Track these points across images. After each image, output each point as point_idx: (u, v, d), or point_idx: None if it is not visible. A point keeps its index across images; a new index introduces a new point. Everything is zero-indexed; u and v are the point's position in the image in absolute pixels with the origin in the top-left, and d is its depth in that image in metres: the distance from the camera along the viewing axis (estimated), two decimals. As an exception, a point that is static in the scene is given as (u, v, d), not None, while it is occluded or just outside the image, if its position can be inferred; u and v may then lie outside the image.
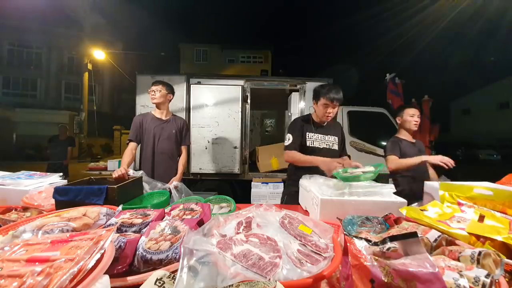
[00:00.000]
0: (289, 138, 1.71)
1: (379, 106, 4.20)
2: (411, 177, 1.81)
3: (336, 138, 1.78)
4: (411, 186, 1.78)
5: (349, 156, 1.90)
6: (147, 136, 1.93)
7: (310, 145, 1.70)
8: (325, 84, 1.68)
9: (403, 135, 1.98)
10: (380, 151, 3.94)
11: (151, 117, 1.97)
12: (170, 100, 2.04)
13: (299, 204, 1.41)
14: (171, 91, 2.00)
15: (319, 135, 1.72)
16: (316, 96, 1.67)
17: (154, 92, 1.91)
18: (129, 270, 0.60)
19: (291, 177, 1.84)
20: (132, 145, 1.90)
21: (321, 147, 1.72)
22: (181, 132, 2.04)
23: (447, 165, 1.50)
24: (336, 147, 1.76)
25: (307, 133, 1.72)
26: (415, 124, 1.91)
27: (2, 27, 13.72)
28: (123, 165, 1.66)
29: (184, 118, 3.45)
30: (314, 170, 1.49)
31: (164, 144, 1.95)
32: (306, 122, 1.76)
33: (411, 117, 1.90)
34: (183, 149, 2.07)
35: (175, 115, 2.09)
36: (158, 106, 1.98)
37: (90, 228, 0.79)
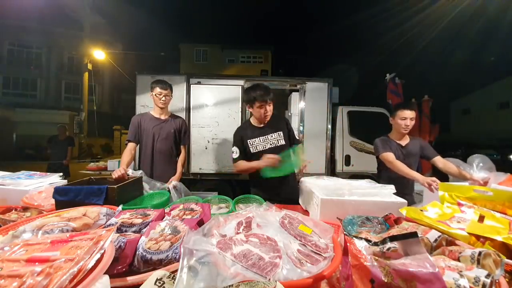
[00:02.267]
0: (236, 152, 1.74)
1: (379, 106, 4.19)
2: (396, 178, 1.77)
3: (281, 132, 1.74)
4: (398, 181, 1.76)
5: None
6: (146, 136, 1.93)
7: (255, 151, 1.70)
8: (254, 86, 1.67)
9: (394, 136, 1.94)
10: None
11: (149, 117, 1.96)
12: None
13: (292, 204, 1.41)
14: (172, 92, 2.00)
15: (260, 137, 1.71)
16: (250, 100, 1.65)
17: (165, 97, 1.89)
18: (129, 270, 0.60)
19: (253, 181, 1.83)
20: (131, 145, 1.89)
21: (266, 148, 1.70)
22: (180, 132, 2.03)
23: (432, 190, 1.48)
24: (282, 142, 1.72)
25: (247, 140, 1.72)
26: (404, 128, 1.83)
27: (2, 27, 13.71)
28: (122, 165, 1.66)
29: (184, 118, 3.44)
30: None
31: (163, 144, 1.94)
32: (244, 130, 1.77)
33: (402, 120, 1.82)
34: (182, 148, 2.06)
35: (174, 115, 2.08)
36: (161, 108, 1.97)
37: (90, 228, 0.79)
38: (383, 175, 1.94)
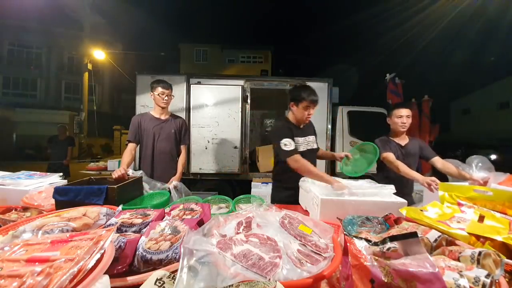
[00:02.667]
0: (289, 143, 1.54)
1: (379, 106, 4.19)
2: (396, 178, 1.78)
3: (314, 137, 1.78)
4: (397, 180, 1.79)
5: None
6: (146, 136, 1.93)
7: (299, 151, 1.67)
8: (304, 86, 1.66)
9: (393, 136, 1.96)
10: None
11: (149, 117, 1.96)
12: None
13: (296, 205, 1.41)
14: (172, 92, 2.00)
15: (302, 138, 1.70)
16: (297, 99, 1.62)
17: (167, 96, 1.90)
18: (129, 270, 0.60)
19: (277, 182, 1.79)
20: (131, 145, 1.89)
21: (305, 150, 1.68)
22: (180, 132, 2.03)
23: (431, 190, 1.49)
24: (315, 145, 1.77)
25: (294, 137, 1.64)
26: (401, 126, 1.85)
27: (2, 27, 13.71)
28: (122, 165, 1.65)
29: (184, 118, 3.45)
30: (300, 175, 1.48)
31: (163, 144, 1.94)
32: (290, 125, 1.69)
33: (399, 118, 1.85)
34: (182, 148, 2.06)
35: (174, 115, 2.08)
36: (162, 108, 1.97)
37: (90, 228, 0.79)
38: (382, 175, 1.95)
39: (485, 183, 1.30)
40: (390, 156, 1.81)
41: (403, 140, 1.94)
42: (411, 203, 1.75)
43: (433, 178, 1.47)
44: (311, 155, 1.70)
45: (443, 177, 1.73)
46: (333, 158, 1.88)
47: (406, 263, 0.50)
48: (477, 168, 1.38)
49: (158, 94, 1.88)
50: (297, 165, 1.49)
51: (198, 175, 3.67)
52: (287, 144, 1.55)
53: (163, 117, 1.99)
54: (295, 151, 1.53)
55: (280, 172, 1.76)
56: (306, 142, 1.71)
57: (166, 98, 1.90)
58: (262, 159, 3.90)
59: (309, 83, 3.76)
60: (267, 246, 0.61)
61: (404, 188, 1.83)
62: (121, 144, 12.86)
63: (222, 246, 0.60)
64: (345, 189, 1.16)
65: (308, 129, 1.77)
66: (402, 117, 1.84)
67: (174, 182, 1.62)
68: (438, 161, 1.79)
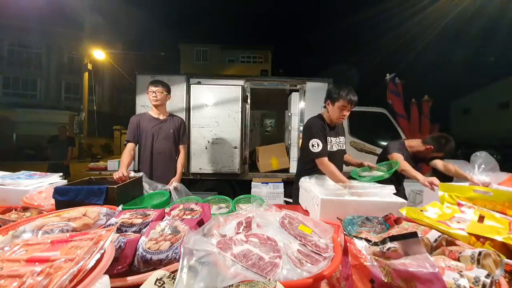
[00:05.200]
0: (318, 144, 1.57)
1: (379, 106, 4.19)
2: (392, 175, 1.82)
3: (344, 138, 1.80)
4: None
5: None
6: (145, 137, 1.92)
7: (330, 150, 1.66)
8: (342, 86, 1.61)
9: (410, 146, 1.97)
10: (380, 151, 3.93)
11: (148, 117, 1.96)
12: (168, 100, 2.02)
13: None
14: (169, 91, 1.99)
15: (332, 138, 1.70)
16: (333, 97, 1.59)
17: (155, 93, 1.89)
18: (129, 270, 0.60)
19: (303, 172, 1.76)
20: (130, 145, 1.89)
21: (335, 149, 1.69)
22: (178, 131, 2.03)
23: (433, 188, 1.50)
24: (344, 147, 1.78)
25: (327, 137, 1.66)
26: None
27: (2, 27, 13.71)
28: (122, 166, 1.65)
29: (184, 118, 3.45)
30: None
31: (162, 144, 1.94)
32: (324, 125, 1.68)
33: (428, 154, 1.88)
34: (182, 148, 2.05)
35: (172, 114, 2.07)
36: (156, 106, 1.96)
37: (90, 228, 0.79)
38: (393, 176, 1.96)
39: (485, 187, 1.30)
40: (399, 157, 1.82)
41: (418, 149, 1.96)
42: (402, 197, 1.77)
43: (434, 178, 1.47)
44: (341, 155, 1.73)
45: (444, 177, 1.73)
46: (360, 166, 1.75)
47: (406, 263, 0.50)
48: (479, 170, 1.37)
49: (149, 93, 1.91)
50: (323, 168, 1.55)
51: (198, 175, 3.67)
52: (314, 145, 1.58)
53: (161, 117, 1.98)
54: (323, 151, 1.57)
55: (300, 171, 1.76)
56: (337, 142, 1.71)
57: (154, 95, 1.90)
58: (262, 159, 3.90)
59: (309, 83, 3.80)
60: (267, 246, 0.61)
61: (399, 186, 1.93)
62: (121, 144, 12.85)
63: (222, 246, 0.60)
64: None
65: (339, 130, 1.77)
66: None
67: (174, 183, 1.62)
68: (439, 162, 1.81)
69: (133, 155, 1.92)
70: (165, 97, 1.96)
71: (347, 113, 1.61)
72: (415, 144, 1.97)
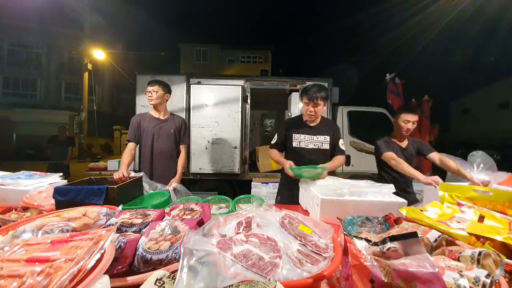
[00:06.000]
0: (274, 138, 1.83)
1: (379, 106, 4.19)
2: (398, 178, 1.85)
3: (327, 137, 1.76)
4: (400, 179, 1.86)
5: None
6: (145, 136, 1.92)
7: (296, 146, 1.73)
8: (312, 84, 1.68)
9: (395, 137, 1.97)
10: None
11: (149, 117, 1.95)
12: (167, 100, 2.01)
13: (294, 204, 1.41)
14: (167, 90, 1.97)
15: (306, 135, 1.73)
16: (301, 95, 1.70)
17: (151, 93, 1.88)
18: (129, 270, 0.60)
19: (283, 176, 1.87)
20: (131, 145, 1.88)
21: (309, 147, 1.72)
22: (179, 131, 2.02)
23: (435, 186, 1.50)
24: (326, 146, 1.75)
25: (293, 134, 1.74)
26: (406, 131, 1.87)
27: (2, 27, 13.71)
28: (122, 166, 1.64)
29: (184, 118, 3.45)
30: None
31: (163, 144, 1.93)
32: (294, 123, 1.80)
33: (405, 123, 1.86)
34: (182, 148, 2.04)
35: (173, 114, 2.07)
36: (155, 106, 1.95)
37: (90, 228, 0.79)
38: (385, 176, 1.95)
39: (485, 186, 1.30)
40: (392, 155, 1.82)
41: (404, 142, 1.96)
42: (414, 200, 1.77)
43: (436, 176, 1.47)
44: (317, 154, 1.73)
45: (445, 175, 1.73)
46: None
47: (406, 263, 0.50)
48: (478, 169, 1.37)
49: (146, 93, 1.91)
50: (270, 155, 1.82)
51: (198, 175, 3.67)
52: (274, 137, 1.84)
53: (162, 117, 1.98)
54: (274, 144, 1.82)
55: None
56: (311, 140, 1.73)
57: (150, 95, 1.89)
58: (262, 159, 3.90)
59: (309, 83, 3.79)
60: (267, 246, 0.61)
61: (407, 187, 1.88)
62: (121, 144, 12.87)
63: (222, 246, 0.60)
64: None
65: (322, 129, 1.77)
66: (409, 122, 1.85)
67: (174, 184, 1.61)
68: (435, 157, 1.79)
69: (134, 155, 1.91)
70: (163, 96, 1.94)
71: (313, 109, 1.64)
72: (394, 131, 1.98)
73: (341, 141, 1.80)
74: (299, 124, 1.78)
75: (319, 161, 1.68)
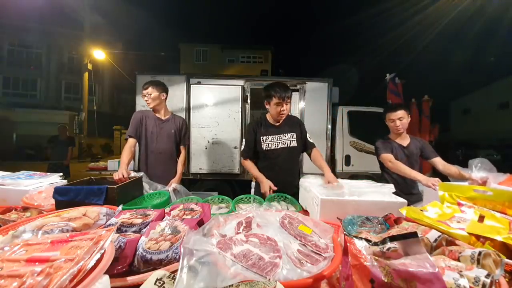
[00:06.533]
0: (243, 144, 1.76)
1: (379, 106, 4.19)
2: (400, 178, 1.81)
3: (294, 134, 1.74)
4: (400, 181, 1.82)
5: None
6: (146, 136, 1.90)
7: (266, 148, 1.71)
8: (274, 83, 1.66)
9: (393, 136, 1.95)
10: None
11: (151, 116, 1.93)
12: (165, 99, 1.97)
13: None
14: (162, 89, 1.92)
15: (273, 136, 1.71)
16: (268, 96, 1.64)
17: (146, 96, 1.86)
18: (129, 270, 0.60)
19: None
20: (131, 141, 1.85)
21: (278, 147, 1.71)
22: (180, 132, 2.01)
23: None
24: (294, 143, 1.73)
25: (260, 137, 1.71)
26: (396, 129, 1.84)
27: (2, 27, 13.71)
28: (122, 165, 1.63)
29: (184, 118, 3.45)
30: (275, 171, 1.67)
31: (163, 144, 1.92)
32: (258, 126, 1.74)
33: (391, 122, 1.85)
34: (182, 149, 2.04)
35: (174, 114, 2.06)
36: (154, 108, 1.93)
37: (90, 228, 0.79)
38: (386, 176, 1.93)
39: (484, 182, 1.30)
40: (389, 156, 1.80)
41: (405, 140, 1.91)
42: (419, 200, 1.74)
43: (436, 179, 1.46)
44: (287, 153, 1.71)
45: (445, 177, 1.72)
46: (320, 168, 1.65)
47: (406, 263, 0.50)
48: (476, 168, 1.38)
49: (142, 96, 1.88)
50: (243, 164, 1.78)
51: (198, 175, 3.67)
52: (242, 143, 1.79)
53: (163, 117, 1.97)
54: (244, 152, 1.75)
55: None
56: (279, 140, 1.71)
57: (146, 98, 1.87)
58: (262, 159, 3.90)
59: (309, 83, 3.80)
60: (267, 246, 0.61)
61: (411, 188, 1.85)
62: (121, 144, 12.85)
63: (222, 246, 0.60)
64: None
65: (287, 127, 1.75)
66: (394, 121, 1.83)
67: (173, 184, 1.60)
68: (439, 162, 1.76)
69: (134, 152, 1.88)
70: (159, 97, 1.90)
71: (285, 108, 1.63)
72: (391, 130, 1.94)
73: (308, 135, 1.80)
74: (264, 126, 1.74)
75: (290, 160, 1.71)
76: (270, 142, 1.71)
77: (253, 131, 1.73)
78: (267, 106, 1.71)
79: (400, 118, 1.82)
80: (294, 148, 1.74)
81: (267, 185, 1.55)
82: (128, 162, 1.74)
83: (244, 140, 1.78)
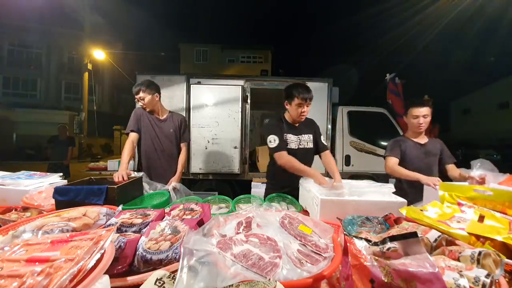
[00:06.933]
0: (274, 140, 1.62)
1: (379, 106, 4.19)
2: (410, 188, 1.70)
3: (310, 135, 1.75)
4: (409, 190, 1.70)
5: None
6: (145, 135, 1.89)
7: (287, 147, 1.67)
8: (296, 84, 1.65)
9: (410, 134, 1.85)
10: (381, 151, 3.93)
11: (150, 116, 1.92)
12: (159, 98, 1.94)
13: None
14: (155, 90, 1.87)
15: (293, 135, 1.69)
16: (289, 96, 1.63)
17: (140, 101, 1.83)
18: (129, 270, 0.60)
19: (271, 181, 1.81)
20: (133, 136, 1.82)
21: (297, 147, 1.69)
22: (179, 130, 1.98)
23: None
24: (311, 145, 1.74)
25: (284, 134, 1.68)
26: (418, 127, 1.75)
27: (2, 27, 13.71)
28: (122, 165, 1.62)
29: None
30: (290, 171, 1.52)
31: (162, 143, 1.91)
32: (281, 124, 1.71)
33: (415, 118, 1.74)
34: (183, 146, 2.00)
35: (173, 112, 2.02)
36: (150, 111, 1.91)
37: (90, 228, 0.79)
38: (396, 183, 1.80)
39: (482, 179, 1.30)
40: (391, 160, 1.73)
41: (422, 139, 1.83)
42: None
43: (437, 178, 1.45)
44: (304, 154, 1.70)
45: (445, 176, 1.71)
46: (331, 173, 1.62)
47: (406, 263, 0.50)
48: (475, 168, 1.38)
49: (136, 100, 1.85)
50: (282, 161, 1.56)
51: (198, 175, 3.67)
52: (270, 140, 1.62)
53: (161, 117, 1.95)
54: (279, 147, 1.59)
55: (272, 170, 1.77)
56: (298, 141, 1.70)
57: (140, 103, 1.83)
58: (262, 159, 3.90)
59: (309, 83, 3.78)
60: (267, 246, 0.61)
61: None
62: (121, 144, 12.85)
63: (222, 246, 0.60)
64: (329, 186, 1.21)
65: (305, 128, 1.75)
66: (419, 117, 1.72)
67: (173, 183, 1.59)
68: (454, 170, 1.69)
69: (135, 148, 1.86)
70: (152, 99, 1.85)
71: (306, 109, 1.63)
72: (408, 129, 1.85)
73: (322, 137, 1.80)
74: (286, 125, 1.71)
75: (305, 161, 1.66)
76: (291, 142, 1.68)
77: (280, 129, 1.67)
78: (287, 107, 1.69)
79: (424, 116, 1.72)
80: (310, 149, 1.74)
81: (321, 176, 1.39)
82: (129, 160, 1.72)
83: (274, 136, 1.62)
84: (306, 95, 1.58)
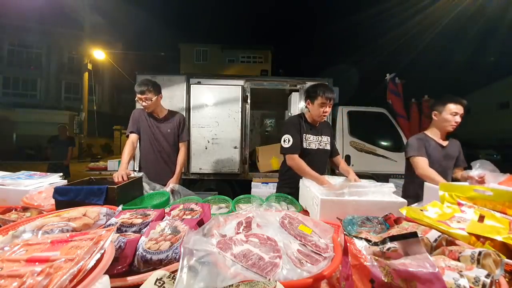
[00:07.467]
0: (288, 140, 1.60)
1: (379, 106, 4.20)
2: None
3: (328, 137, 1.77)
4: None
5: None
6: (143, 135, 1.89)
7: (307, 147, 1.67)
8: (319, 84, 1.66)
9: (434, 134, 1.70)
10: (380, 151, 3.93)
11: (148, 115, 1.91)
12: (161, 99, 1.92)
13: None
14: (158, 91, 1.86)
15: (313, 136, 1.69)
16: (312, 96, 1.63)
17: (144, 102, 1.81)
18: (129, 270, 0.60)
19: (282, 178, 1.83)
20: (133, 137, 1.83)
21: (315, 148, 1.69)
22: (178, 130, 1.96)
23: None
24: (328, 147, 1.75)
25: (304, 134, 1.67)
26: (453, 125, 1.59)
27: (2, 27, 13.71)
28: (122, 165, 1.62)
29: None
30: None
31: (160, 144, 1.90)
32: (300, 122, 1.70)
33: (453, 115, 1.56)
34: (182, 145, 1.97)
35: (171, 111, 2.01)
36: (151, 111, 1.90)
37: (90, 228, 0.79)
38: (415, 180, 1.60)
39: (481, 179, 1.30)
40: (422, 161, 1.57)
41: (444, 140, 1.70)
42: None
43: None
44: (322, 155, 1.72)
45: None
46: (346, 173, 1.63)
47: (406, 263, 0.50)
48: (475, 168, 1.38)
49: (137, 100, 1.84)
50: (292, 163, 1.58)
51: (198, 175, 3.67)
52: (285, 140, 1.63)
53: (160, 116, 1.94)
54: (292, 149, 1.59)
55: (285, 167, 1.75)
56: (318, 141, 1.70)
57: (145, 104, 1.81)
58: (262, 159, 3.90)
59: (309, 83, 3.80)
60: (267, 246, 0.61)
61: None
62: (121, 144, 12.86)
63: (222, 246, 0.60)
64: (333, 189, 1.20)
65: (322, 129, 1.76)
66: (457, 114, 1.56)
67: (171, 185, 1.58)
68: (458, 172, 1.67)
69: (135, 149, 1.86)
70: (157, 100, 1.85)
71: (328, 110, 1.63)
72: (435, 126, 1.69)
73: (334, 141, 1.84)
74: (305, 124, 1.70)
75: (322, 162, 1.69)
76: (310, 142, 1.69)
77: (298, 128, 1.66)
78: (308, 106, 1.70)
79: (461, 114, 1.58)
80: (327, 151, 1.76)
81: (329, 182, 1.38)
82: (129, 160, 1.72)
83: (288, 136, 1.61)
84: (329, 94, 1.58)
